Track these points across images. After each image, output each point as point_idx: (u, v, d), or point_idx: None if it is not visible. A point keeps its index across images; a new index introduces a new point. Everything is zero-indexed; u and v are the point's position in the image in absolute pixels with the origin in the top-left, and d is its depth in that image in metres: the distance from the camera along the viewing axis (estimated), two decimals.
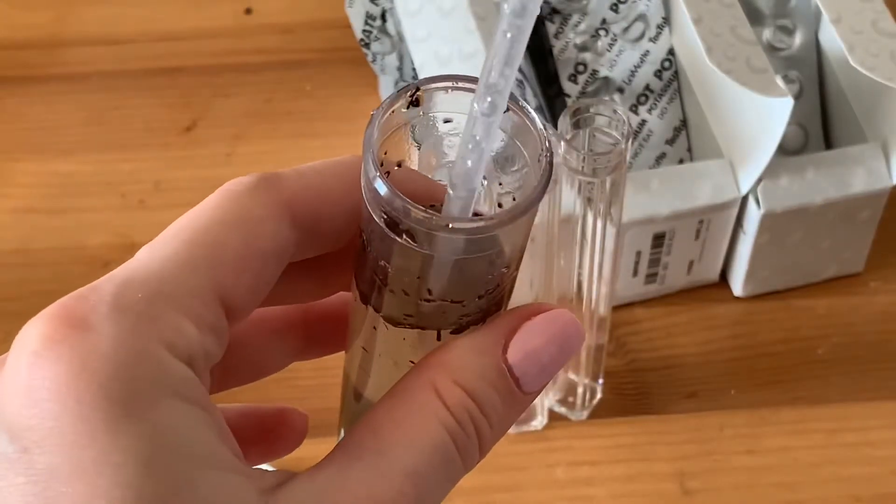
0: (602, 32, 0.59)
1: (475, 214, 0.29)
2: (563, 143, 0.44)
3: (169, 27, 0.71)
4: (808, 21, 0.59)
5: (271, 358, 0.34)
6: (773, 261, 0.59)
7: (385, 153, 0.29)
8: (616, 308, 0.57)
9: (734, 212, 0.57)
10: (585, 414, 0.56)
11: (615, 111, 0.45)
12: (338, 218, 0.30)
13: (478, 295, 0.30)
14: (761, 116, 0.53)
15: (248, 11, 0.72)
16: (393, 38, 0.61)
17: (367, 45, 0.62)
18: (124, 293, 0.26)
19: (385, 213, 0.28)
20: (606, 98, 0.59)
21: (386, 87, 0.62)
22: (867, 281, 0.61)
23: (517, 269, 0.30)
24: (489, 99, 0.27)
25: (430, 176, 0.44)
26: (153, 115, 0.67)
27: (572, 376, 0.55)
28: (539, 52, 0.61)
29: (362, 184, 0.28)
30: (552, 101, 0.60)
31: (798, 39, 0.59)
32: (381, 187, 0.27)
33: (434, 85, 0.29)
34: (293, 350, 0.34)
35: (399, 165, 0.30)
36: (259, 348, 0.34)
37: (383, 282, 0.30)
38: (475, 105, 0.27)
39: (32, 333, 0.25)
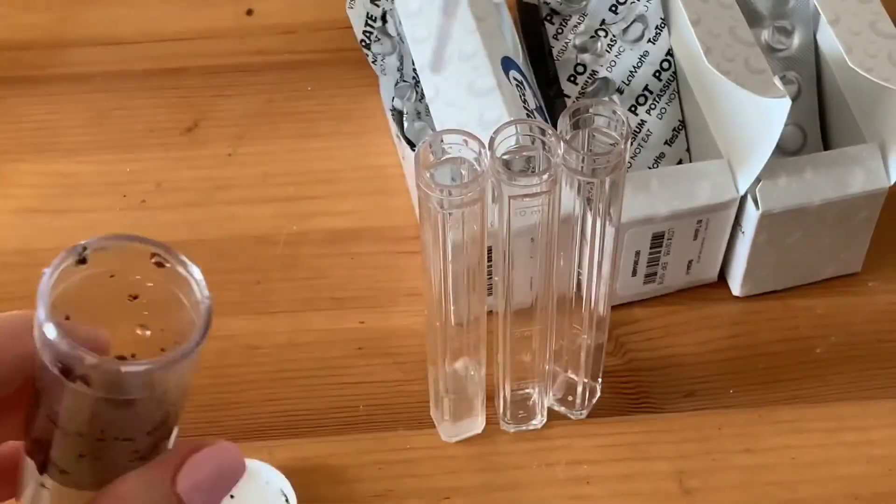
0: (601, 33, 0.60)
1: (119, 358, 0.32)
2: (562, 143, 0.45)
3: (170, 28, 0.71)
4: (807, 22, 0.59)
5: None
6: (771, 261, 0.59)
7: (55, 307, 0.31)
8: (615, 308, 0.57)
9: (733, 212, 0.57)
10: (585, 413, 0.56)
11: (614, 112, 0.45)
12: (5, 366, 0.33)
13: (147, 431, 0.32)
14: (760, 117, 0.53)
15: (250, 12, 0.72)
16: (393, 39, 0.61)
17: (367, 46, 0.62)
18: None
19: (59, 361, 0.30)
20: (606, 99, 0.59)
21: (386, 88, 0.62)
22: (865, 281, 0.61)
23: (183, 406, 0.33)
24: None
25: (431, 172, 0.44)
26: (155, 116, 0.67)
27: (572, 376, 0.55)
28: (538, 53, 0.61)
29: (35, 333, 0.31)
30: (552, 102, 0.61)
31: (796, 40, 0.59)
32: (52, 332, 0.30)
33: (100, 244, 0.32)
34: None
35: (67, 318, 0.32)
36: None
37: (55, 425, 0.32)
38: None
39: None
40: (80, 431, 0.32)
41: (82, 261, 0.32)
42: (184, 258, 0.32)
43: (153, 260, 0.32)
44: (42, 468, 0.33)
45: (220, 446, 0.33)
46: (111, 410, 0.31)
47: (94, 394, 0.30)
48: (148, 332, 0.33)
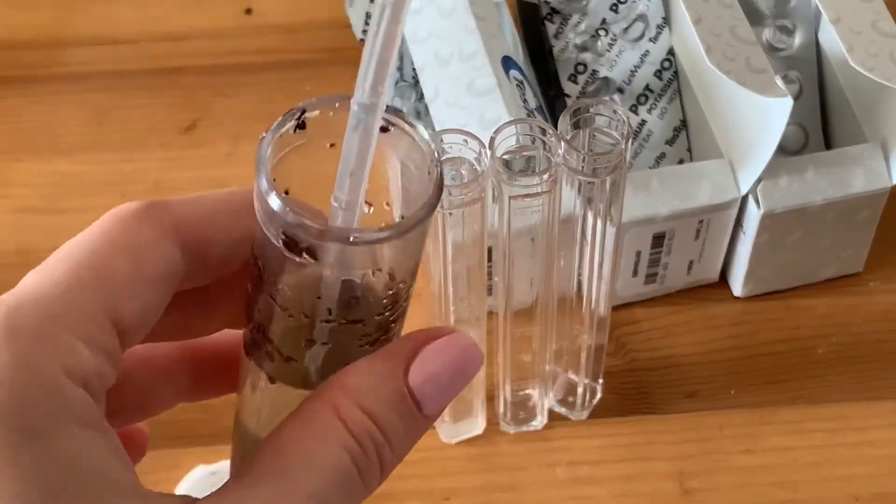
0: (602, 33, 0.59)
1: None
2: (563, 143, 0.45)
3: (170, 27, 0.71)
4: (808, 21, 0.59)
5: (158, 397, 0.34)
6: (772, 261, 0.59)
7: (274, 180, 0.29)
8: (616, 308, 0.57)
9: (734, 212, 0.57)
10: (585, 414, 0.56)
11: (615, 111, 0.45)
12: (225, 245, 0.31)
13: (377, 313, 0.30)
14: (761, 116, 0.53)
15: (249, 12, 0.72)
16: None
17: None
18: (16, 316, 0.26)
19: (284, 233, 0.28)
20: (606, 98, 0.59)
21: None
22: (866, 281, 0.61)
23: (412, 285, 0.30)
24: (361, 116, 0.28)
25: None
26: (154, 115, 0.67)
27: (572, 376, 0.55)
28: (539, 52, 0.61)
29: (256, 206, 0.28)
30: (552, 102, 0.60)
31: (798, 40, 0.59)
32: (275, 202, 0.28)
33: (317, 110, 0.29)
34: (180, 390, 0.34)
35: (286, 193, 0.30)
36: (145, 387, 0.33)
37: (279, 307, 0.30)
38: (350, 120, 0.28)
39: None
40: (307, 312, 0.29)
41: (301, 125, 0.29)
42: (410, 119, 0.29)
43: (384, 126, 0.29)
44: (262, 362, 0.31)
45: (458, 336, 0.30)
46: (338, 286, 0.29)
47: (321, 268, 0.28)
48: (371, 209, 0.30)
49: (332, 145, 0.30)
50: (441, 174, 0.29)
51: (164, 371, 0.34)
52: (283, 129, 0.29)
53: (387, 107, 0.28)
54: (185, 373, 0.34)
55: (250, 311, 0.31)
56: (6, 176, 0.65)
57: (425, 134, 0.29)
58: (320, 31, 0.71)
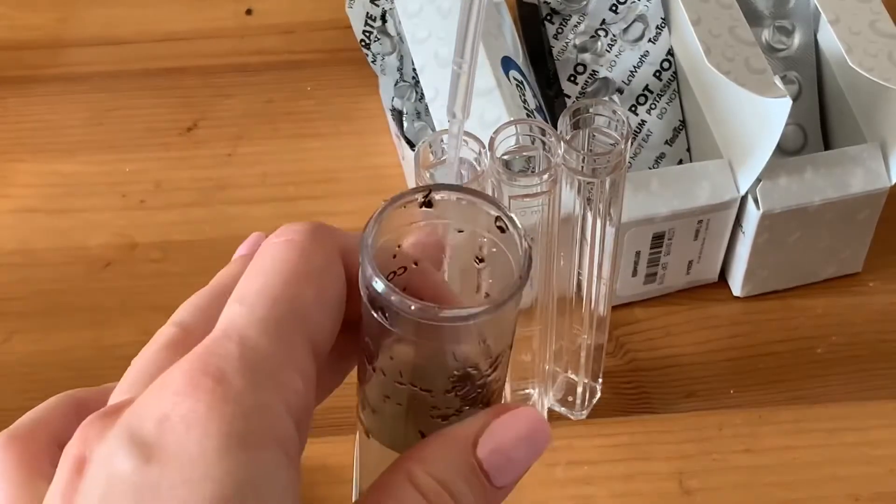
0: (601, 33, 0.59)
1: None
2: (562, 143, 0.45)
3: (170, 28, 0.71)
4: (807, 22, 0.59)
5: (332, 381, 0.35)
6: (771, 261, 0.59)
7: (397, 249, 0.30)
8: (615, 308, 0.57)
9: (733, 212, 0.57)
10: (585, 413, 0.56)
11: (614, 111, 0.45)
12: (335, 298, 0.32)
13: (445, 389, 0.31)
14: (760, 117, 0.53)
15: (249, 12, 0.72)
16: (393, 39, 0.61)
17: (367, 46, 0.62)
18: (247, 353, 0.28)
19: (367, 288, 0.29)
20: (606, 98, 0.59)
21: (386, 88, 0.62)
22: (866, 281, 0.61)
23: (495, 372, 0.31)
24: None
25: (431, 172, 0.44)
26: (154, 116, 0.67)
27: (572, 376, 0.55)
28: (539, 52, 0.61)
29: (361, 268, 0.30)
30: (552, 102, 0.61)
31: (797, 40, 0.59)
32: (368, 270, 0.29)
33: (445, 191, 0.30)
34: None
35: (416, 264, 0.31)
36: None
37: (367, 356, 0.31)
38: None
39: (177, 377, 0.28)
40: (384, 368, 0.31)
41: (428, 203, 0.30)
42: (513, 216, 0.31)
43: (497, 224, 0.30)
44: (362, 410, 0.32)
45: (523, 412, 0.31)
46: (408, 350, 0.30)
47: (391, 329, 0.29)
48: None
49: (459, 231, 0.31)
50: (529, 260, 0.30)
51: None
52: (410, 198, 0.30)
53: (501, 205, 0.31)
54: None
55: (359, 354, 0.32)
56: (7, 176, 0.65)
57: (519, 226, 0.30)
58: (320, 31, 0.71)
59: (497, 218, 0.30)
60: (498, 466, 0.30)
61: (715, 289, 0.61)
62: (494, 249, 0.31)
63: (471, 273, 0.32)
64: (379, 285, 0.29)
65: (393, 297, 0.29)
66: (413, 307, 0.29)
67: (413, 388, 0.31)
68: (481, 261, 0.32)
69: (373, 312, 0.29)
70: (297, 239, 0.30)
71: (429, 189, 0.30)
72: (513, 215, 0.31)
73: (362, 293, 0.30)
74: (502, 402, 0.33)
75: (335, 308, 0.31)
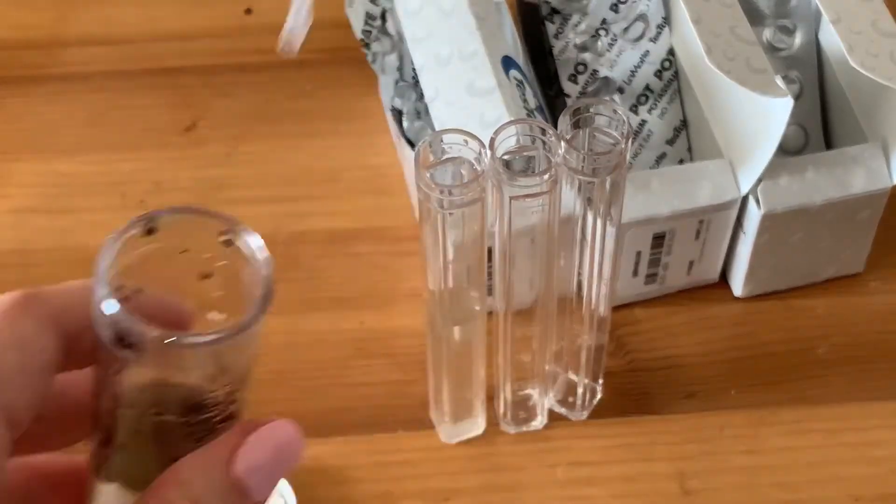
0: (602, 32, 0.59)
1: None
2: (563, 143, 0.44)
3: (169, 27, 0.71)
4: (809, 21, 0.59)
5: None
6: (773, 261, 0.59)
7: (120, 277, 0.30)
8: (616, 308, 0.57)
9: (734, 212, 0.57)
10: (585, 414, 0.56)
11: (615, 111, 0.45)
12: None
13: (192, 412, 0.31)
14: (761, 117, 0.53)
15: (248, 11, 0.72)
16: (393, 38, 0.61)
17: (366, 45, 0.62)
18: None
19: (114, 334, 0.29)
20: (606, 98, 0.59)
21: (386, 87, 0.62)
22: (867, 281, 0.61)
23: (240, 389, 0.32)
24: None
25: (431, 172, 0.44)
26: (153, 115, 0.67)
27: (572, 376, 0.55)
28: (539, 52, 0.61)
29: (92, 304, 0.30)
30: (552, 101, 0.60)
31: (798, 39, 0.59)
32: (111, 307, 0.29)
33: (166, 215, 0.31)
34: None
35: (140, 291, 0.31)
36: (34, 499, 0.35)
37: (109, 400, 0.31)
38: None
39: None
40: (134, 404, 0.31)
41: (150, 231, 0.31)
42: (247, 230, 0.31)
43: (221, 238, 0.31)
44: (101, 464, 0.32)
45: (275, 426, 0.32)
46: (159, 384, 0.30)
47: (144, 365, 0.30)
48: (224, 316, 0.32)
49: (183, 251, 0.31)
50: (270, 283, 0.30)
51: (54, 488, 0.35)
52: (131, 233, 0.31)
53: (229, 217, 0.31)
54: (72, 494, 0.35)
55: (92, 406, 0.32)
56: (6, 176, 0.65)
57: (257, 242, 0.31)
58: (320, 31, 0.71)
59: (221, 232, 0.31)
60: (256, 482, 0.31)
61: (716, 289, 0.61)
62: (223, 263, 0.31)
63: (201, 289, 0.32)
64: (113, 316, 0.29)
65: (128, 325, 0.29)
66: (149, 334, 0.29)
67: (159, 416, 0.31)
68: (208, 276, 0.32)
69: (112, 349, 0.30)
70: (5, 309, 0.31)
71: (149, 217, 0.31)
72: (246, 230, 0.31)
73: (99, 332, 0.30)
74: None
75: (43, 373, 0.31)
